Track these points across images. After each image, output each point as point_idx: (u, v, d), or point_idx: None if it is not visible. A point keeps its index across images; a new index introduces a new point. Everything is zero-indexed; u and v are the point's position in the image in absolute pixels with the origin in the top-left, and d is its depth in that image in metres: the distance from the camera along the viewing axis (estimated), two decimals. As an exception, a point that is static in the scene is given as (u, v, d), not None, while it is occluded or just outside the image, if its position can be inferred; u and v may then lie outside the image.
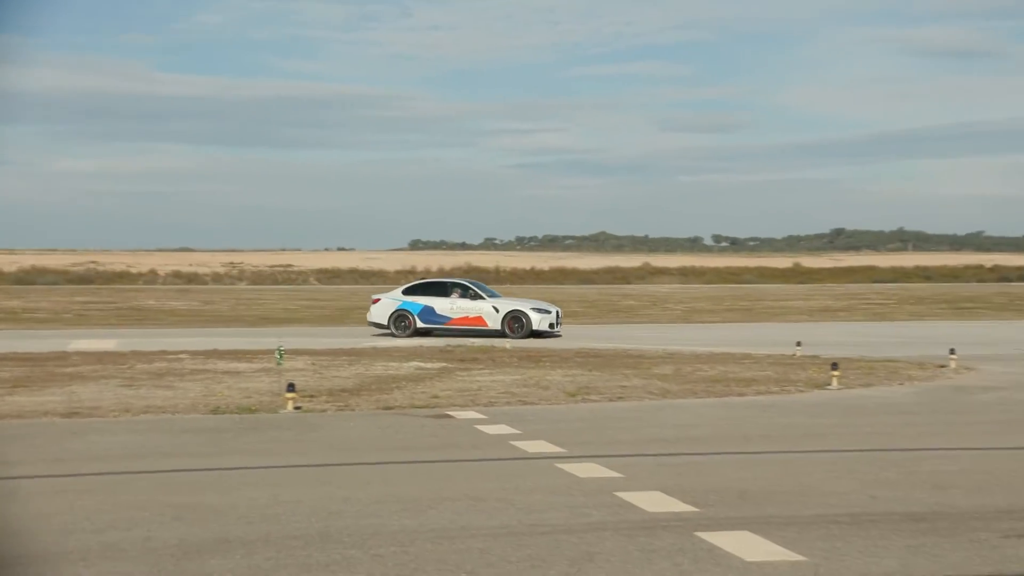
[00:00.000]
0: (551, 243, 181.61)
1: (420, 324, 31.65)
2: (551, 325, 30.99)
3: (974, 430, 13.17)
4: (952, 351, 21.47)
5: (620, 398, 16.24)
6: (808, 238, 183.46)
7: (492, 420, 13.71)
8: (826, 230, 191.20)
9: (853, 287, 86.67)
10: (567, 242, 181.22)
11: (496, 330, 30.98)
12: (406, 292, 32.75)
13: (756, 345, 27.99)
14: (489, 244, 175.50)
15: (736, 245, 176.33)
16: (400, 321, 31.78)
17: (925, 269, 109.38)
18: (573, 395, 16.42)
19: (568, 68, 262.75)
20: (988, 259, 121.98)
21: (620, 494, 9.06)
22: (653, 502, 8.75)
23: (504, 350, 25.22)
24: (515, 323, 30.86)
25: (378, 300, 32.83)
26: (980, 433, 12.88)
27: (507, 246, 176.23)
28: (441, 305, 31.68)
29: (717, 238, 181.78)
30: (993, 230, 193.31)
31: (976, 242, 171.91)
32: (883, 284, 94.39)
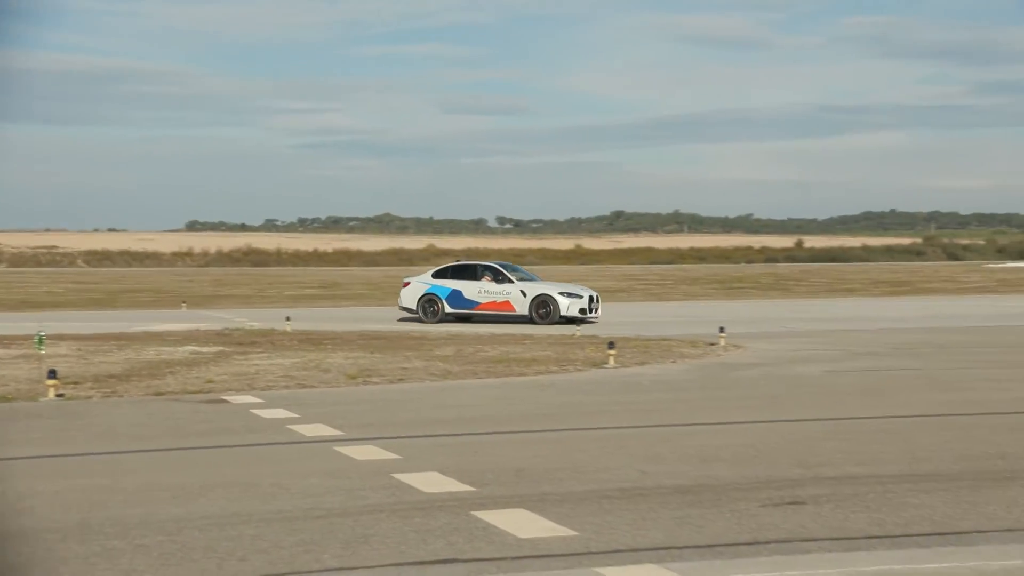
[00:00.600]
0: (335, 224, 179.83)
1: (449, 309, 30.19)
2: (583, 310, 29.25)
3: (740, 405, 13.72)
4: (722, 329, 22.32)
5: (401, 380, 16.20)
6: (590, 220, 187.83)
7: (269, 404, 13.45)
8: (607, 212, 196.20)
9: (632, 268, 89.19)
10: (351, 224, 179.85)
11: (524, 315, 29.50)
12: (435, 275, 31.04)
13: (539, 327, 28.46)
14: (270, 225, 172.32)
15: (520, 227, 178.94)
16: (429, 306, 30.29)
17: (699, 251, 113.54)
18: (354, 378, 16.28)
19: (350, 47, 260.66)
20: (757, 241, 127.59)
21: (397, 475, 9.02)
22: (430, 483, 8.75)
23: (284, 333, 24.79)
24: (542, 308, 29.29)
25: (408, 284, 31.18)
26: (745, 408, 13.43)
27: (289, 227, 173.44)
28: (470, 289, 30.17)
29: (501, 220, 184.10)
30: (761, 213, 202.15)
31: (746, 224, 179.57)
32: (660, 265, 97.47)
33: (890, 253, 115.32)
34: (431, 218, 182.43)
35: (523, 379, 16.56)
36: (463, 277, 30.59)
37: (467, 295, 30.10)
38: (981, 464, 9.43)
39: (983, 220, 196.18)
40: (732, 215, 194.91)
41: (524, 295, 29.71)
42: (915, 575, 5.95)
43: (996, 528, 7.22)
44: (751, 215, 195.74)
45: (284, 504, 8.07)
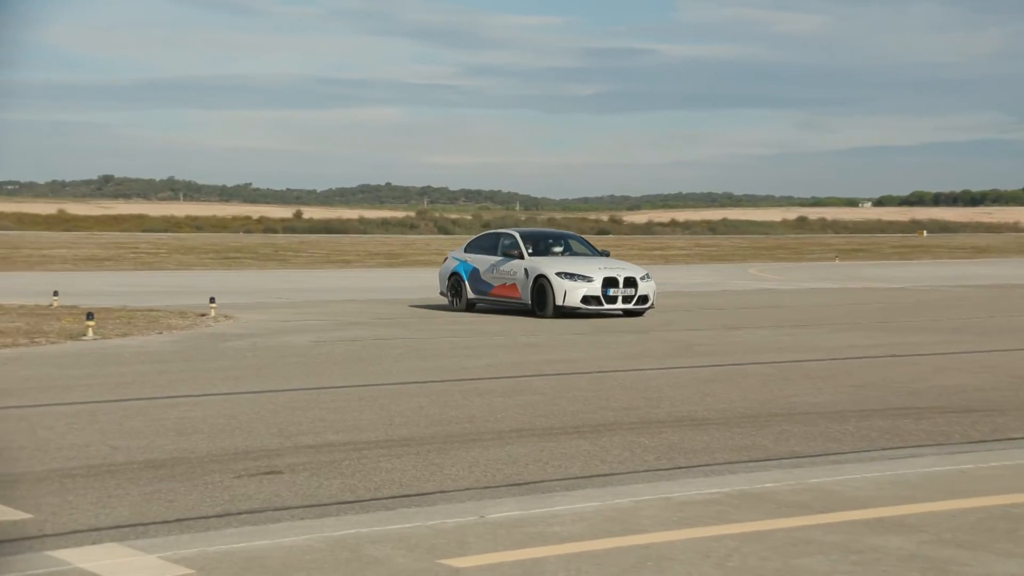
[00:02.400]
0: None
1: (471, 294, 23.67)
2: (590, 299, 21.64)
3: (224, 376, 13.50)
4: (212, 300, 21.92)
5: None
6: (75, 184, 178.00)
7: None
8: (94, 176, 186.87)
9: (122, 236, 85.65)
10: None
11: (527, 304, 22.34)
12: (467, 248, 24.49)
13: (9, 295, 26.45)
14: None
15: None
16: (456, 288, 24.05)
17: (195, 219, 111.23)
18: None
19: None
20: (255, 211, 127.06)
21: None
22: None
23: None
24: (540, 294, 22.08)
25: (446, 259, 24.80)
26: (229, 378, 13.23)
27: None
28: (486, 266, 23.43)
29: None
30: (260, 183, 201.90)
31: (244, 194, 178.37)
32: (154, 233, 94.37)
33: (386, 226, 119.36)
34: None
35: (-10, 352, 15.29)
36: (486, 250, 23.89)
37: (483, 275, 23.55)
38: (451, 428, 9.89)
39: (470, 196, 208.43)
40: (230, 184, 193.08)
41: (527, 275, 22.45)
42: (378, 536, 6.09)
43: (456, 488, 7.57)
44: (250, 184, 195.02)
45: None
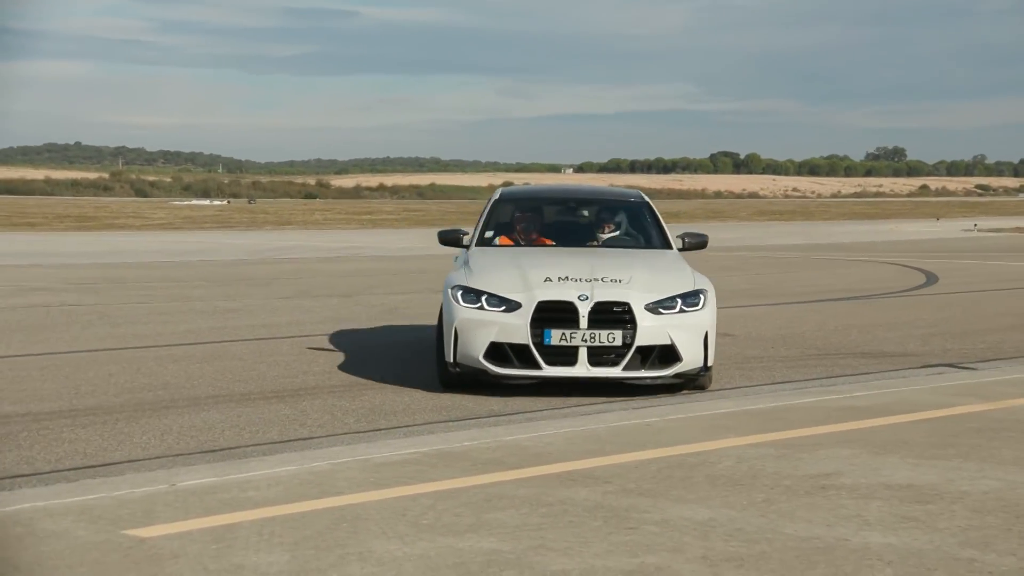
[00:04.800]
0: None
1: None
2: (509, 354, 9.18)
3: None
4: None
5: None
6: None
7: None
8: None
9: None
10: None
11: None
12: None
13: None
14: None
15: None
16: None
17: None
18: None
19: None
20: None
21: None
22: None
23: None
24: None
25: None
26: None
27: None
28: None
29: None
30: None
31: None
32: None
33: (76, 187, 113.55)
34: None
35: None
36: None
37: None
38: (143, 395, 9.51)
39: (170, 158, 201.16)
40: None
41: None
42: (57, 509, 5.78)
43: (146, 456, 7.29)
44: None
45: None
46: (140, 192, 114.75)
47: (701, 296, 9.45)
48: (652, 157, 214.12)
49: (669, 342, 9.18)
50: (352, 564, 4.96)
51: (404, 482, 6.38)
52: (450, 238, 10.79)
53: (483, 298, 9.28)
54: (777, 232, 51.65)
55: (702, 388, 9.66)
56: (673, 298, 9.34)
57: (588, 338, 9.06)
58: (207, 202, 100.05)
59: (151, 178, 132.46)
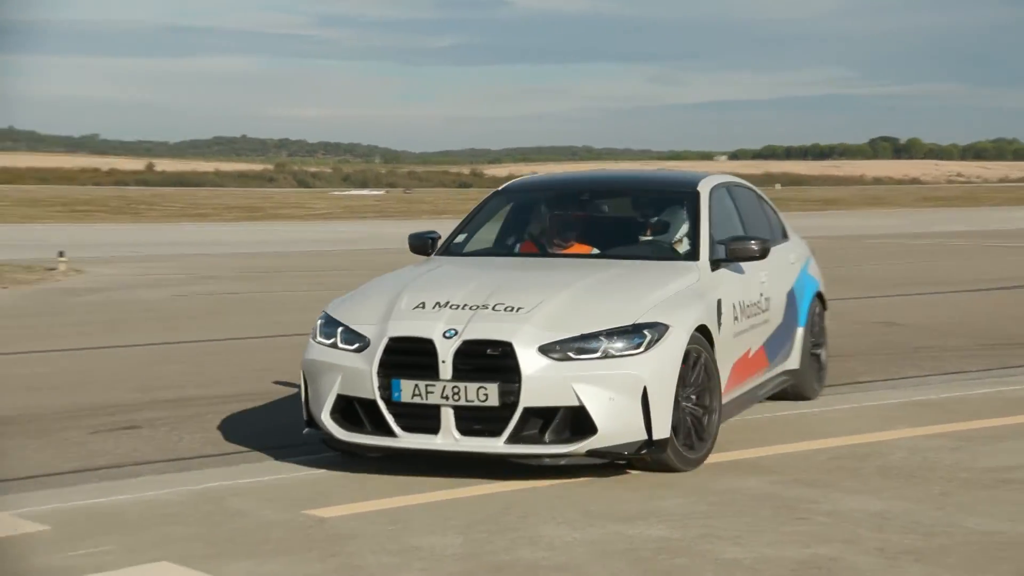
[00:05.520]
0: None
1: None
2: (359, 411, 6.39)
3: (76, 331, 13.13)
4: (61, 254, 21.25)
5: None
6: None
7: None
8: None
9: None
10: None
11: None
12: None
13: None
14: None
15: None
16: None
17: (40, 171, 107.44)
18: None
19: None
20: (104, 162, 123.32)
21: None
22: None
23: None
24: None
25: None
26: (83, 334, 12.88)
27: None
28: None
29: None
30: (109, 133, 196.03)
31: (92, 145, 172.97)
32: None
33: (243, 179, 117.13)
34: None
35: None
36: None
37: None
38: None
39: (329, 149, 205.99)
40: (76, 134, 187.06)
41: None
42: (242, 488, 6.03)
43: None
44: (97, 135, 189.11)
45: None
46: (302, 183, 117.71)
47: (648, 334, 6.16)
48: (808, 143, 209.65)
49: (576, 402, 6.02)
50: (523, 548, 5.05)
51: (569, 474, 6.44)
52: (419, 244, 7.75)
53: (339, 331, 6.48)
54: (942, 219, 50.10)
55: (670, 469, 6.27)
56: (593, 336, 6.12)
57: (451, 393, 6.06)
58: (365, 192, 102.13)
59: (312, 169, 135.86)
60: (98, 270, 21.36)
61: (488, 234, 7.81)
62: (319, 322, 6.64)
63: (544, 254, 7.46)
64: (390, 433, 6.19)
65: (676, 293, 6.59)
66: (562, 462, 6.08)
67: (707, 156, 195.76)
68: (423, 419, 6.14)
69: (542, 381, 6.00)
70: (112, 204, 62.07)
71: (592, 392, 6.01)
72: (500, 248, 7.72)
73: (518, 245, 7.68)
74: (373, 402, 6.21)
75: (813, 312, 8.56)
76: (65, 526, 5.39)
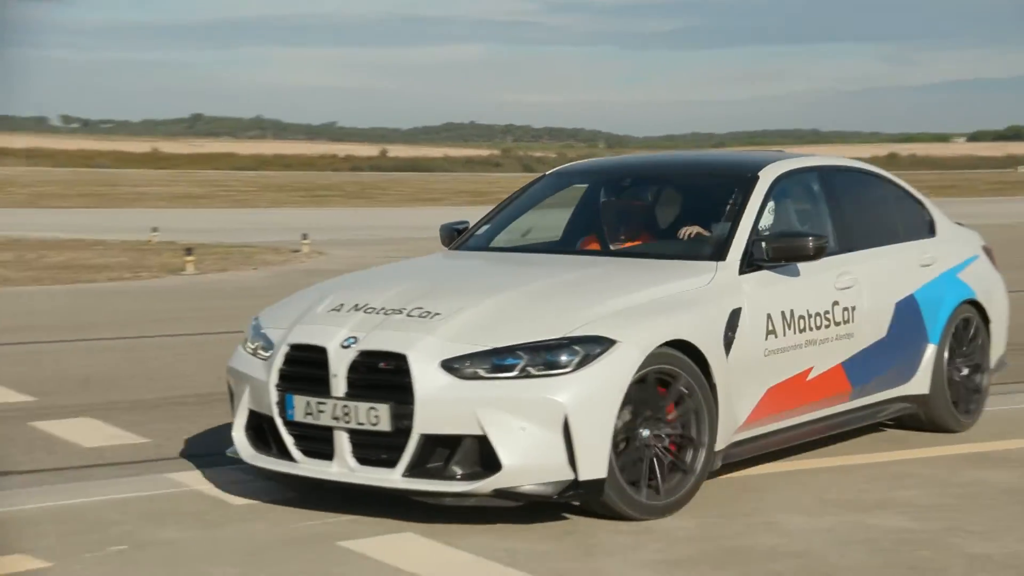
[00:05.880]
0: None
1: None
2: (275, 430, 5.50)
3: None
4: (305, 236, 22.26)
5: (-45, 287, 14.94)
6: (166, 123, 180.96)
7: None
8: (185, 115, 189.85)
9: (213, 174, 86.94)
10: None
11: None
12: None
13: (111, 232, 27.09)
14: None
15: (88, 127, 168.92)
16: None
17: (284, 157, 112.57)
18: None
19: None
20: (342, 149, 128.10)
21: (-53, 389, 8.32)
22: (-15, 395, 8.14)
23: None
24: None
25: None
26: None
27: None
28: None
29: (66, 119, 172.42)
30: (345, 121, 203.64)
31: (330, 132, 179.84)
32: (244, 172, 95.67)
33: (470, 164, 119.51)
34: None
35: (92, 286, 15.76)
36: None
37: None
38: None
39: (554, 134, 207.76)
40: (316, 122, 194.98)
41: None
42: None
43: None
44: (335, 123, 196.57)
45: None
46: (527, 168, 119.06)
47: (580, 350, 5.03)
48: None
49: (479, 431, 4.98)
50: (760, 534, 5.05)
51: (803, 456, 6.38)
52: (446, 236, 7.02)
53: (262, 334, 5.69)
54: None
55: (621, 516, 5.17)
56: (509, 351, 5.04)
57: (341, 414, 5.14)
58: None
59: (537, 154, 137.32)
60: (338, 252, 22.28)
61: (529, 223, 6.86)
62: (251, 324, 5.84)
63: (558, 251, 6.50)
64: (290, 457, 5.31)
65: (653, 300, 5.37)
66: (469, 502, 5.00)
67: (943, 138, 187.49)
68: (319, 442, 5.22)
69: (440, 404, 4.96)
70: (348, 189, 64.45)
71: (498, 419, 4.91)
72: (519, 242, 6.74)
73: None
74: (271, 420, 5.36)
75: (956, 326, 6.88)
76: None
